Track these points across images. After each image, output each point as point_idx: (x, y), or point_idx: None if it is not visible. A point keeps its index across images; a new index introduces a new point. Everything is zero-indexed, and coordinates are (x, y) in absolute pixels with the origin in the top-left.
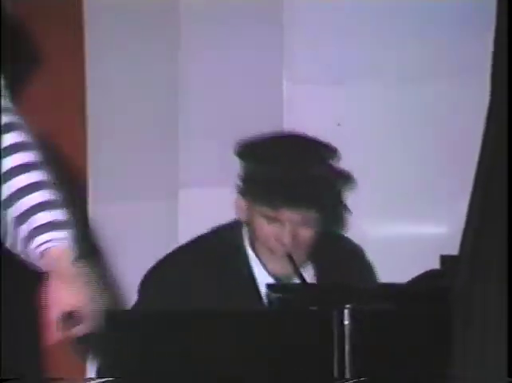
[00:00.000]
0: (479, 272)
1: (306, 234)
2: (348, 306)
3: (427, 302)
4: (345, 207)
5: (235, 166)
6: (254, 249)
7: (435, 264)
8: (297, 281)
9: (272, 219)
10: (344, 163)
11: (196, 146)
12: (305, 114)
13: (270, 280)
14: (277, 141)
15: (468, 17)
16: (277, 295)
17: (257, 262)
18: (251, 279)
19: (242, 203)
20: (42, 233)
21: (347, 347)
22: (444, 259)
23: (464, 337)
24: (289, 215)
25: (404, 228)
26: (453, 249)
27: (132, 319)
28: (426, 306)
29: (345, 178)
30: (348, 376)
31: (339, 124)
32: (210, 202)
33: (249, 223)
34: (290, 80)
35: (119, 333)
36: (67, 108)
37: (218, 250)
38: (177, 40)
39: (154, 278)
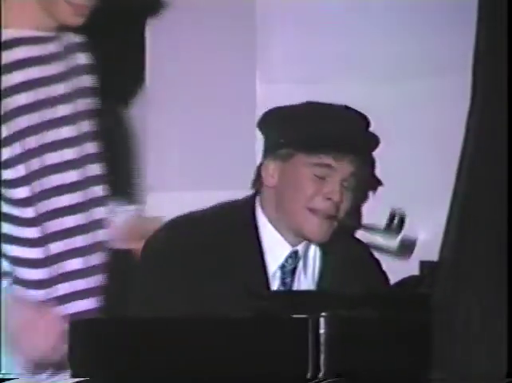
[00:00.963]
0: (460, 277)
1: (350, 195)
2: (323, 313)
3: (407, 309)
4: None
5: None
6: (282, 214)
7: (415, 270)
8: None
9: (325, 170)
10: None
11: (163, 150)
12: None
13: (284, 244)
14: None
15: (454, 12)
16: (256, 302)
17: (272, 229)
18: (258, 250)
19: (272, 167)
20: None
21: (322, 356)
22: (424, 265)
23: (445, 342)
24: (343, 165)
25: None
26: (432, 255)
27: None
28: (405, 312)
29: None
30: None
31: None
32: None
33: (280, 187)
34: (264, 80)
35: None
36: None
37: (226, 220)
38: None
39: (158, 242)
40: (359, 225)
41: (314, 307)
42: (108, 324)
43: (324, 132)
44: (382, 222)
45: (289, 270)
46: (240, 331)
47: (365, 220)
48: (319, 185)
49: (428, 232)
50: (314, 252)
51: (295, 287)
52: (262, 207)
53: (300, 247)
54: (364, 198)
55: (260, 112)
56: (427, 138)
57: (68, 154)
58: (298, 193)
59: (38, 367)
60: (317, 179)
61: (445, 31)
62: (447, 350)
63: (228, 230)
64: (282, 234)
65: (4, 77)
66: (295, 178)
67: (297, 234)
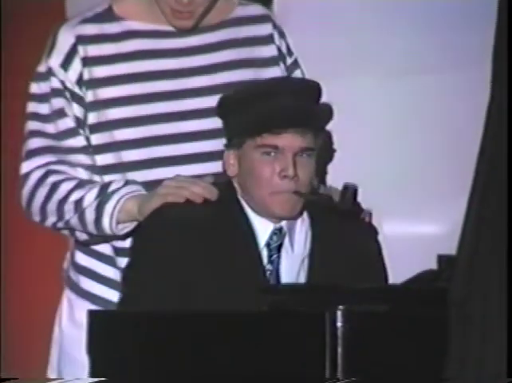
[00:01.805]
0: (478, 273)
1: (309, 165)
2: (341, 307)
3: (424, 303)
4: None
5: None
6: (256, 200)
7: (433, 264)
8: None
9: (269, 149)
10: (339, 159)
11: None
12: None
13: (266, 223)
14: (262, 84)
15: (470, 7)
16: (270, 296)
17: (252, 213)
18: (250, 231)
19: (231, 156)
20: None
21: (340, 350)
22: (441, 259)
23: (462, 338)
24: (289, 140)
25: (401, 227)
26: (451, 249)
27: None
28: (422, 306)
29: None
30: (340, 377)
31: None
32: None
33: (241, 175)
34: None
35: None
36: None
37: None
38: None
39: (148, 228)
40: (316, 195)
41: (327, 301)
42: (125, 318)
43: (262, 111)
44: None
45: (275, 247)
46: (256, 326)
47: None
48: (271, 165)
49: (446, 225)
50: (301, 226)
51: (282, 264)
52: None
53: (284, 223)
54: (324, 169)
55: None
56: (443, 132)
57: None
58: (256, 179)
59: None
60: (267, 161)
61: (461, 25)
62: (464, 347)
63: (216, 215)
64: (262, 215)
65: (116, 66)
66: (249, 165)
67: (270, 216)
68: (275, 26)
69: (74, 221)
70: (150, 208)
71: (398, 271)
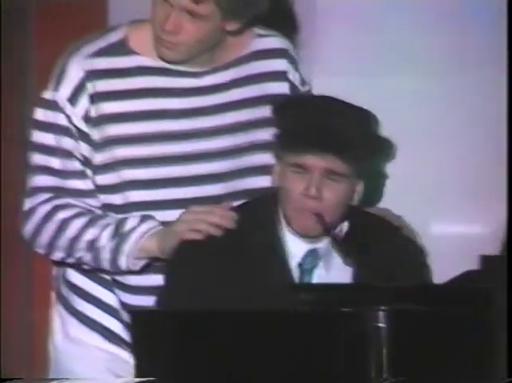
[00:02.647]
0: None
1: (335, 190)
2: (383, 307)
3: (466, 303)
4: (383, 174)
5: None
6: (285, 214)
7: (475, 264)
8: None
9: (299, 168)
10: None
11: None
12: None
13: (300, 243)
14: (312, 98)
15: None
16: (310, 296)
17: (286, 226)
18: (280, 247)
19: (276, 167)
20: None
21: (384, 351)
22: (484, 259)
23: (499, 338)
24: (313, 160)
25: (443, 228)
26: (493, 249)
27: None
28: (464, 306)
29: (384, 143)
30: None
31: None
32: None
33: (281, 187)
34: (322, 72)
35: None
36: None
37: (252, 217)
38: None
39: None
40: (327, 231)
41: (367, 301)
42: (168, 317)
43: (296, 130)
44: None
45: (308, 269)
46: (296, 326)
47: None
48: (299, 183)
49: (487, 226)
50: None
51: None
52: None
53: (321, 245)
54: (351, 197)
55: None
56: (487, 132)
57: None
58: (285, 194)
59: None
60: (296, 178)
61: (487, 25)
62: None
63: (252, 226)
64: (294, 234)
65: (125, 103)
66: (283, 179)
67: (295, 232)
68: (291, 61)
69: (87, 259)
70: (170, 246)
71: (441, 271)
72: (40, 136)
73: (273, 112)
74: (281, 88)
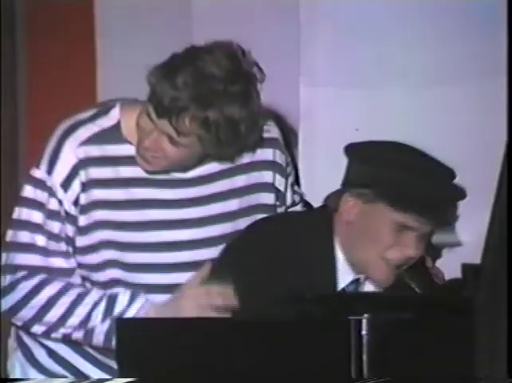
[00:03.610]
0: (502, 282)
1: (422, 248)
2: (366, 315)
3: (449, 311)
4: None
5: None
6: (339, 244)
7: (457, 273)
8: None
9: (401, 228)
10: None
11: None
12: (323, 118)
13: (351, 274)
14: (395, 148)
15: (492, 17)
16: (297, 305)
17: (340, 256)
18: (333, 269)
19: (351, 203)
20: None
21: (365, 357)
22: (466, 268)
23: (489, 345)
24: (422, 225)
25: None
26: (475, 258)
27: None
28: (447, 315)
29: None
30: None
31: (357, 129)
32: None
33: (353, 226)
34: (307, 84)
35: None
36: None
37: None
38: (189, 39)
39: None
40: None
41: (353, 310)
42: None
43: (412, 190)
44: None
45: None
46: (282, 335)
47: None
48: (397, 237)
49: (470, 235)
50: None
51: None
52: (336, 232)
53: (362, 275)
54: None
55: (303, 115)
56: (468, 141)
57: None
58: (375, 242)
59: None
60: (396, 233)
61: (486, 35)
62: (491, 354)
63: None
64: (348, 264)
65: (114, 191)
66: (375, 225)
67: (364, 275)
68: (275, 171)
69: (77, 336)
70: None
71: None
72: (27, 214)
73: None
74: (269, 198)
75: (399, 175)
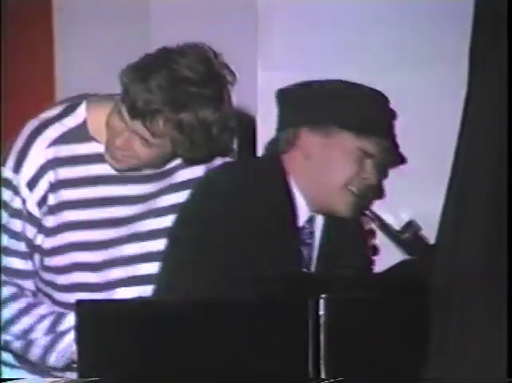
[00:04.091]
0: (457, 263)
1: (381, 173)
2: (323, 295)
3: (404, 291)
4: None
5: None
6: (296, 182)
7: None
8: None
9: (363, 154)
10: None
11: None
12: None
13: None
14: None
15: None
16: (255, 285)
17: (297, 193)
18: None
19: (311, 138)
20: None
21: (322, 337)
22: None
23: (442, 328)
24: (380, 151)
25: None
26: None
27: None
28: (401, 295)
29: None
30: (322, 363)
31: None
32: None
33: (314, 160)
34: (265, 68)
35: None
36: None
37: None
38: (147, 31)
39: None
40: (377, 219)
41: (312, 289)
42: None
43: (367, 115)
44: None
45: (308, 232)
46: (243, 315)
47: None
48: (359, 167)
49: (425, 215)
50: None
51: (315, 249)
52: (290, 172)
53: (318, 212)
54: (385, 175)
55: (261, 99)
56: (424, 126)
57: None
58: (339, 172)
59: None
60: (358, 161)
61: (442, 20)
62: (443, 340)
63: (260, 197)
64: (305, 201)
65: (82, 190)
66: (338, 157)
67: (324, 210)
68: None
69: (15, 345)
70: None
71: (380, 261)
72: None
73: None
74: None
75: (357, 105)
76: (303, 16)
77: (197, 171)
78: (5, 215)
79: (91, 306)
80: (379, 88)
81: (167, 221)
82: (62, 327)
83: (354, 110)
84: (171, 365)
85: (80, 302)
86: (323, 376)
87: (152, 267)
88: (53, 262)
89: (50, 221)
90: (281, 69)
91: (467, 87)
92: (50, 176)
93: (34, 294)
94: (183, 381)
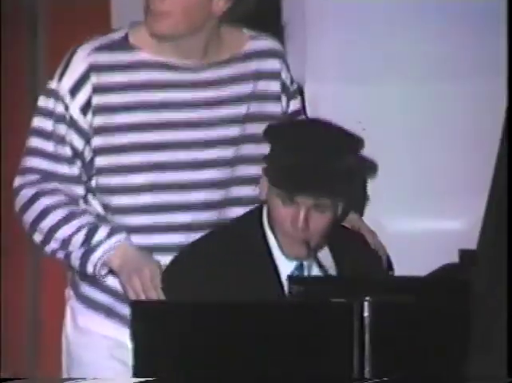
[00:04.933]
0: (496, 269)
1: (322, 219)
2: (367, 298)
3: (446, 294)
4: (365, 195)
5: None
6: (272, 229)
7: (455, 258)
8: (314, 268)
9: (287, 202)
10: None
11: None
12: (327, 113)
13: (287, 262)
14: (303, 127)
15: (491, 15)
16: (298, 287)
17: (275, 242)
18: (270, 261)
19: (265, 182)
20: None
21: (367, 338)
22: (463, 253)
23: (485, 329)
24: (303, 199)
25: (424, 223)
26: (472, 243)
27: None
28: (444, 299)
29: (368, 167)
30: (367, 368)
31: (360, 122)
32: None
33: (267, 203)
34: (313, 79)
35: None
36: None
37: (240, 232)
38: None
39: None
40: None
41: (354, 292)
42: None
43: (281, 169)
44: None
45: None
46: (291, 317)
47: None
48: (287, 211)
49: (467, 221)
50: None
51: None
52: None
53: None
54: (345, 216)
55: (308, 110)
56: (464, 138)
57: None
58: (274, 217)
59: None
60: (283, 208)
61: (482, 33)
62: (487, 338)
63: (240, 245)
64: (287, 256)
65: (126, 95)
66: (272, 202)
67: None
68: (283, 61)
69: (59, 255)
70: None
71: (422, 265)
72: (39, 121)
73: (266, 137)
74: (274, 86)
75: (281, 153)
76: (344, 30)
77: (245, 88)
78: (50, 122)
79: (145, 306)
80: (425, 99)
81: (214, 132)
82: (94, 240)
83: (271, 157)
84: (223, 366)
85: (134, 303)
86: (367, 376)
87: (201, 174)
88: (100, 163)
89: (97, 122)
90: (329, 80)
91: (507, 99)
92: (93, 80)
93: (85, 200)
94: (233, 382)
